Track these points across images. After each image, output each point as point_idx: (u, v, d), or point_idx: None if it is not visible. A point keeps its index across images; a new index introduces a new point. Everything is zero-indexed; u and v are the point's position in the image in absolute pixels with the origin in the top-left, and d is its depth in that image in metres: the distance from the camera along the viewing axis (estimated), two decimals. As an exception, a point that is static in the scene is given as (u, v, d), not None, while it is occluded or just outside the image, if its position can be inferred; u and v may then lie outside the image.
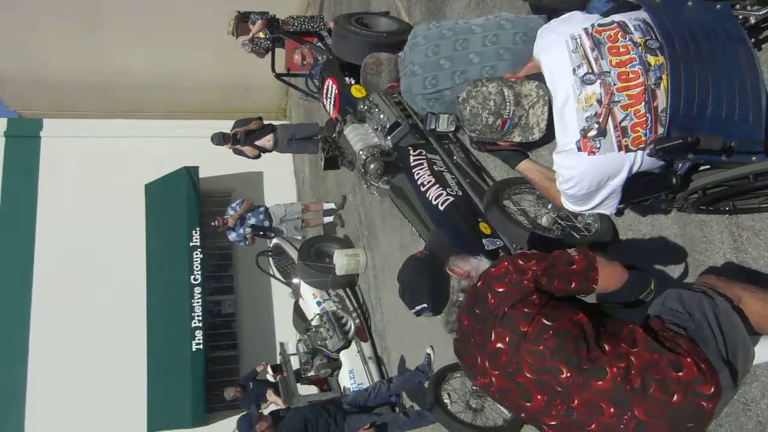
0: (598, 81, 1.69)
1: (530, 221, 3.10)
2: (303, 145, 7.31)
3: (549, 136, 1.86)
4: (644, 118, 1.67)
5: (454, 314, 1.75)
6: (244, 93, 11.09)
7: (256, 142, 7.11)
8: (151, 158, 10.14)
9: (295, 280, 7.73)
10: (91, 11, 9.16)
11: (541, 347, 1.50)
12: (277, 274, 8.37)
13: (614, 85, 1.68)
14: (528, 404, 1.55)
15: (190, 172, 9.85)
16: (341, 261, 6.89)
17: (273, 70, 6.40)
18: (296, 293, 7.73)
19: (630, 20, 1.74)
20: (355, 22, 4.85)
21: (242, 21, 6.69)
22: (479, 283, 1.67)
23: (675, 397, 1.41)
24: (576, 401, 1.49)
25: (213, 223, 7.68)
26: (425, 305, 1.76)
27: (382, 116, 4.61)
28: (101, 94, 10.64)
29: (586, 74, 1.70)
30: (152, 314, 9.34)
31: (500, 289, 1.59)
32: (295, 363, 7.18)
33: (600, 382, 1.46)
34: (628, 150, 1.70)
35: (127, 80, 10.45)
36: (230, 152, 7.42)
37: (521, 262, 1.62)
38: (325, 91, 5.33)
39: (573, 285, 1.62)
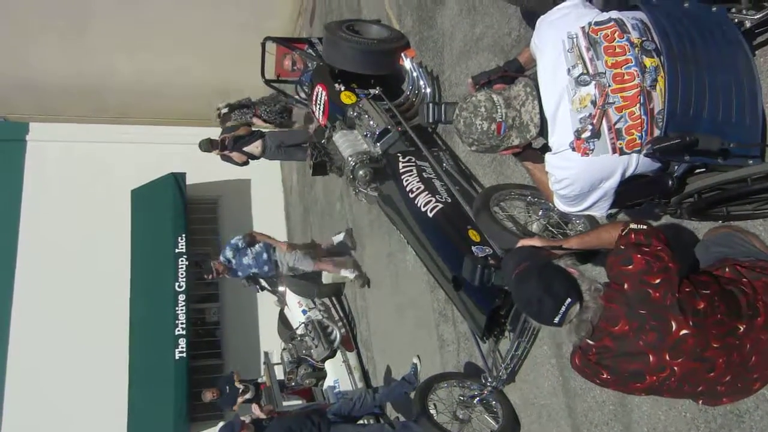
0: (593, 82, 1.67)
1: (520, 228, 3.06)
2: (292, 152, 7.25)
3: (544, 132, 1.82)
4: (639, 120, 1.65)
5: (587, 319, 1.62)
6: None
7: (245, 149, 7.05)
8: (138, 164, 9.98)
9: (281, 288, 7.62)
10: (78, 16, 9.10)
11: (718, 316, 1.57)
12: (264, 284, 8.26)
13: (609, 86, 1.66)
14: (711, 374, 1.61)
15: (177, 178, 9.71)
16: (328, 269, 6.81)
17: (263, 75, 6.36)
18: (282, 301, 7.63)
19: (628, 19, 1.71)
20: (346, 29, 4.82)
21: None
22: (626, 286, 1.60)
23: None
24: (747, 346, 1.61)
25: (207, 277, 6.45)
26: (570, 300, 1.56)
27: (371, 123, 4.59)
28: (88, 98, 10.52)
29: (581, 75, 1.68)
30: (135, 321, 9.14)
31: (657, 281, 1.57)
32: (279, 372, 7.08)
33: (759, 318, 1.61)
34: (622, 153, 1.68)
35: (114, 85, 10.37)
36: (218, 159, 7.34)
37: (649, 249, 1.61)
38: (314, 98, 5.29)
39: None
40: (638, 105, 1.65)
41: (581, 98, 1.67)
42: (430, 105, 2.24)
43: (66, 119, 10.69)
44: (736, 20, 1.90)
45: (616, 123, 1.66)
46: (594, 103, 1.66)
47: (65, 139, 10.40)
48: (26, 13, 8.82)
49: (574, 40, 1.71)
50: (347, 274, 6.59)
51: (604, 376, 1.66)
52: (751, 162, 1.68)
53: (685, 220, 2.27)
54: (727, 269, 1.72)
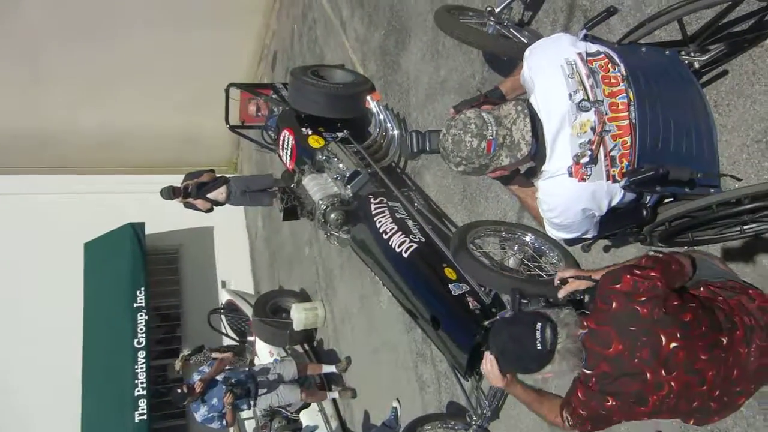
0: (593, 109, 1.71)
1: (497, 264, 3.13)
2: (257, 198, 7.18)
3: (539, 156, 1.80)
4: (629, 151, 1.72)
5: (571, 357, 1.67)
6: (194, 147, 10.91)
7: (209, 195, 6.92)
8: (95, 215, 9.71)
9: (250, 338, 7.47)
10: (35, 66, 8.88)
11: (703, 328, 1.64)
12: (231, 333, 8.08)
13: (606, 114, 1.72)
14: (704, 388, 1.66)
15: (135, 228, 9.45)
16: (299, 315, 6.74)
17: (227, 122, 6.38)
18: (251, 351, 7.46)
19: (614, 53, 1.81)
20: (311, 74, 4.94)
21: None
22: (614, 305, 1.65)
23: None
24: (730, 359, 1.68)
25: (178, 390, 5.55)
26: (540, 323, 1.64)
27: (341, 165, 4.65)
28: (43, 149, 10.21)
29: (582, 101, 1.72)
30: (89, 382, 8.72)
31: (643, 298, 1.62)
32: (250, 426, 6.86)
33: (738, 332, 1.69)
34: (615, 180, 1.73)
35: (70, 136, 10.11)
36: (179, 207, 7.19)
37: (641, 272, 1.66)
38: (281, 143, 5.34)
39: (677, 283, 1.75)
40: (630, 135, 1.72)
41: (582, 123, 1.71)
42: (413, 134, 2.13)
43: (20, 171, 10.34)
44: (686, 62, 2.08)
45: (611, 150, 1.71)
46: (593, 129, 1.70)
47: (13, 191, 10.05)
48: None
49: (574, 66, 1.75)
50: (334, 395, 6.47)
51: (610, 403, 1.68)
52: (712, 191, 1.81)
53: (654, 247, 2.39)
54: (701, 289, 1.81)
